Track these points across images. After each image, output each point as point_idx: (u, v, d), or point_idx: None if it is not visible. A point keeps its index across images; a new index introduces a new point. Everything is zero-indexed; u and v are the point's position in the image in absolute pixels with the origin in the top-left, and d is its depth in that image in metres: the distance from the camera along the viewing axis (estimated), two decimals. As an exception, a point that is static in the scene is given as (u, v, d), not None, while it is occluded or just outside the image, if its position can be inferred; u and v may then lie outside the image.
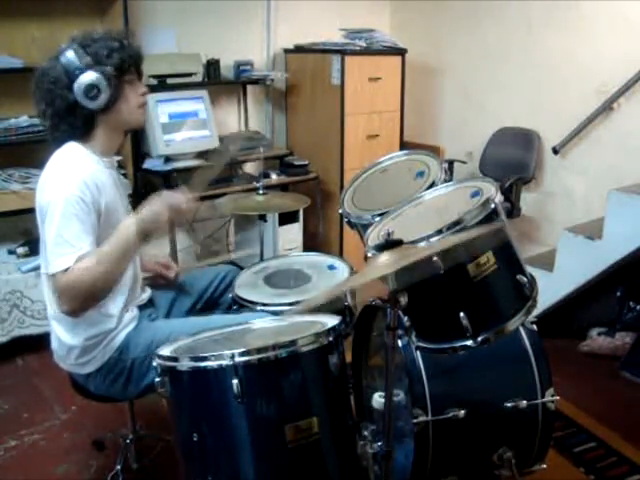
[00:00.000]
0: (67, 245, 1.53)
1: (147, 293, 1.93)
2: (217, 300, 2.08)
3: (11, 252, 3.04)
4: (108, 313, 1.71)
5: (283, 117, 4.18)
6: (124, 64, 1.68)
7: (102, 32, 1.71)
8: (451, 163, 3.86)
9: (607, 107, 3.28)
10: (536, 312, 1.60)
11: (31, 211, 1.72)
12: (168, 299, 2.01)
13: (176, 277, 2.06)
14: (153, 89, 3.05)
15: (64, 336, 1.73)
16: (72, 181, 1.58)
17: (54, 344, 1.79)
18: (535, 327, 1.82)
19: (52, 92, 1.64)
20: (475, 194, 1.59)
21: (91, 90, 1.62)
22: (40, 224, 1.64)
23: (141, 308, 1.86)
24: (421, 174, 1.90)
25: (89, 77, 1.62)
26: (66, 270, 1.52)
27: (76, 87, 1.62)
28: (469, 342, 1.48)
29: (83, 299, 1.55)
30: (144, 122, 1.88)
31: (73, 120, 1.66)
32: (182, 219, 1.72)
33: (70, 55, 1.63)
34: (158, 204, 1.64)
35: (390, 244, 1.34)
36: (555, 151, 3.55)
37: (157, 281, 2.04)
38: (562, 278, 2.84)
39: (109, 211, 1.66)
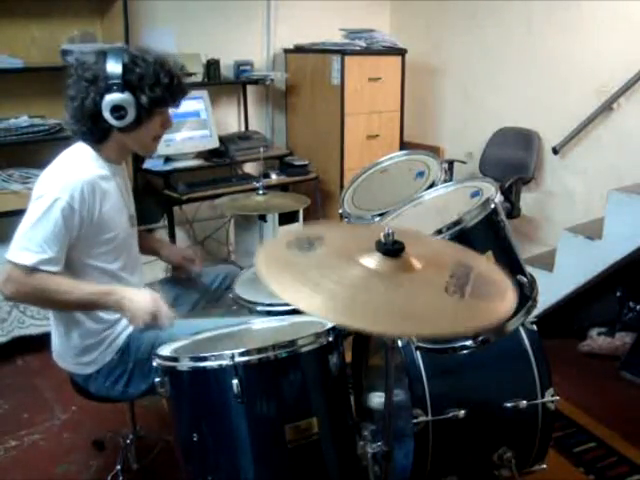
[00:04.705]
0: (34, 243, 1.53)
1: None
2: (218, 300, 2.08)
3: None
4: (110, 313, 1.71)
5: (283, 117, 4.18)
6: (163, 102, 1.66)
7: (160, 56, 1.66)
8: (451, 163, 3.86)
9: (607, 107, 3.28)
10: (536, 312, 1.60)
11: (31, 211, 1.72)
12: (169, 299, 2.00)
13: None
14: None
15: (64, 335, 1.73)
16: (68, 185, 1.57)
17: (54, 342, 1.79)
18: (535, 327, 1.82)
19: (87, 90, 1.61)
20: (475, 194, 1.59)
21: (118, 110, 1.60)
22: None
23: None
24: (421, 174, 1.90)
25: (122, 97, 1.59)
26: (28, 268, 1.52)
27: (106, 100, 1.59)
28: (469, 342, 1.48)
29: (24, 300, 1.69)
30: (154, 154, 1.87)
31: (91, 125, 1.65)
32: (154, 325, 1.60)
33: (118, 64, 1.59)
34: (148, 302, 1.59)
35: (391, 251, 1.17)
36: (555, 151, 3.55)
37: (179, 273, 2.07)
38: (562, 278, 2.84)
39: (105, 219, 1.65)
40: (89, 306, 1.63)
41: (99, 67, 1.61)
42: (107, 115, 1.61)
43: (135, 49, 1.66)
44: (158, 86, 1.63)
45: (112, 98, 1.59)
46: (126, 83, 1.59)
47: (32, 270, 1.53)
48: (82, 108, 1.63)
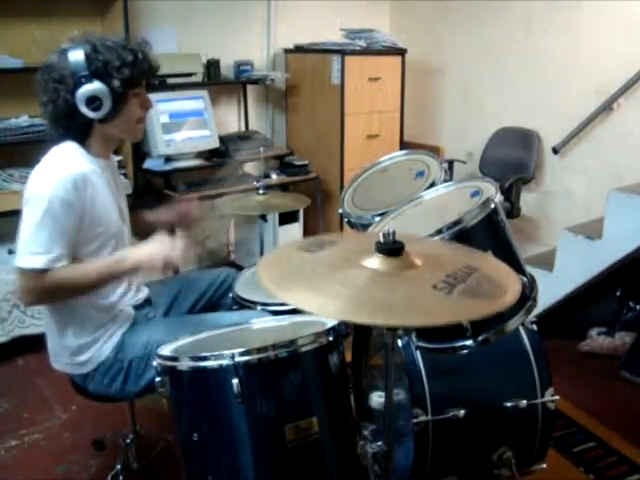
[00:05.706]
0: (39, 245, 1.53)
1: (144, 293, 1.91)
2: (216, 303, 2.07)
3: (11, 252, 3.02)
4: (103, 311, 1.72)
5: (283, 117, 4.18)
6: (133, 80, 1.64)
7: (120, 39, 1.66)
8: (451, 163, 3.86)
9: (607, 107, 3.29)
10: (536, 312, 1.60)
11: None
12: (167, 300, 2.00)
13: (202, 213, 2.05)
14: (153, 89, 3.06)
15: (58, 336, 1.73)
16: (60, 180, 1.56)
17: (49, 344, 1.79)
18: (535, 327, 1.82)
19: (56, 91, 1.61)
20: (475, 194, 1.59)
21: (93, 101, 1.59)
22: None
23: (138, 308, 1.85)
24: (421, 174, 1.90)
25: (93, 88, 1.58)
26: (40, 271, 1.52)
27: (79, 95, 1.58)
28: (469, 342, 1.48)
29: (47, 301, 1.65)
30: (141, 137, 1.86)
31: (69, 124, 1.64)
32: (172, 266, 1.65)
33: (80, 57, 1.59)
34: (157, 251, 1.60)
35: (391, 250, 1.20)
36: (555, 151, 3.55)
37: (182, 222, 2.02)
38: (562, 278, 2.84)
39: (96, 213, 1.64)
40: (109, 279, 1.64)
41: (63, 65, 1.60)
42: (84, 109, 1.60)
43: (95, 38, 1.64)
44: (124, 67, 1.61)
45: (84, 91, 1.58)
46: (93, 73, 1.59)
47: (44, 272, 1.53)
48: (57, 110, 1.62)
